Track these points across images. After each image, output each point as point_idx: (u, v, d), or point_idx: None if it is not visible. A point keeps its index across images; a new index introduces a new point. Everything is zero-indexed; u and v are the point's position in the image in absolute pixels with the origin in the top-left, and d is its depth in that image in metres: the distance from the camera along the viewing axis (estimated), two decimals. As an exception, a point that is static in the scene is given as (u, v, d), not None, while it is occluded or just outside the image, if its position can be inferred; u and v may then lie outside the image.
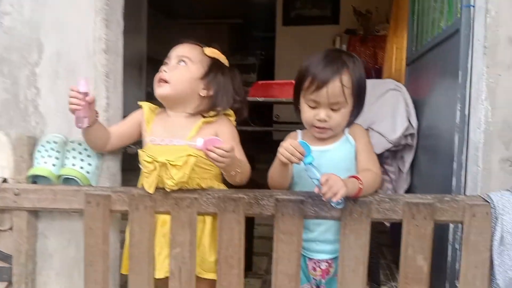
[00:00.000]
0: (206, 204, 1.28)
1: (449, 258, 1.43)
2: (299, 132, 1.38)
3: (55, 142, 1.37)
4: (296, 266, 1.24)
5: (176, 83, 1.34)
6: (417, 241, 1.20)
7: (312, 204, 1.24)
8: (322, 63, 1.25)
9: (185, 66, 1.35)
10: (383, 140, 2.07)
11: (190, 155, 1.26)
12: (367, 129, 2.05)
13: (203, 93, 1.37)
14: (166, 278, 1.30)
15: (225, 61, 1.44)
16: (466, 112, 1.37)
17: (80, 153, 1.37)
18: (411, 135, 2.09)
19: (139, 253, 1.30)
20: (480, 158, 1.26)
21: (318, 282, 1.33)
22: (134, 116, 1.42)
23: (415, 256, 1.20)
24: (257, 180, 1.46)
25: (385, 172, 2.19)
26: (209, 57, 1.40)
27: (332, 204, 1.14)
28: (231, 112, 1.42)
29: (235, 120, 1.43)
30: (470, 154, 1.32)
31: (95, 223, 1.31)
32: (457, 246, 1.42)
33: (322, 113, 1.24)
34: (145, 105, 1.42)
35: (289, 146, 1.15)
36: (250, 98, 2.86)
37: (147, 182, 1.26)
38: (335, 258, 1.29)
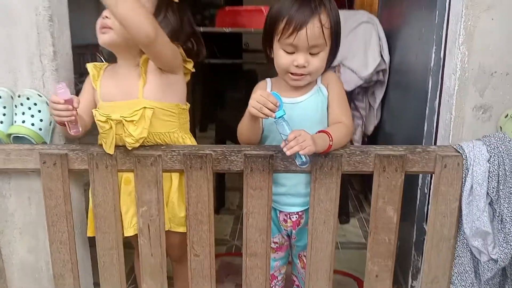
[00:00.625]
0: (172, 161, 1.22)
1: (417, 202, 1.45)
2: (268, 81, 1.29)
3: (-1, 97, 1.25)
4: (267, 220, 1.22)
5: (120, 28, 1.16)
6: (388, 193, 1.19)
7: (282, 159, 1.19)
8: (297, 3, 1.13)
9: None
10: (354, 77, 2.01)
11: (145, 107, 1.17)
12: (338, 65, 1.99)
13: None
14: (136, 235, 1.28)
15: None
16: (441, 55, 1.32)
17: (29, 108, 1.26)
18: (383, 71, 2.04)
19: (105, 212, 1.25)
20: (453, 105, 1.22)
21: (289, 232, 1.33)
22: (86, 83, 1.31)
23: (385, 207, 1.20)
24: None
25: (355, 108, 2.16)
26: None
27: (297, 163, 1.10)
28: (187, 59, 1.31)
29: (193, 64, 1.34)
30: (443, 100, 1.29)
31: (54, 184, 1.24)
32: (426, 190, 1.43)
33: (301, 58, 1.15)
34: (89, 66, 1.30)
35: (260, 97, 1.08)
36: (216, 29, 2.70)
37: (105, 142, 1.18)
38: (305, 210, 1.28)
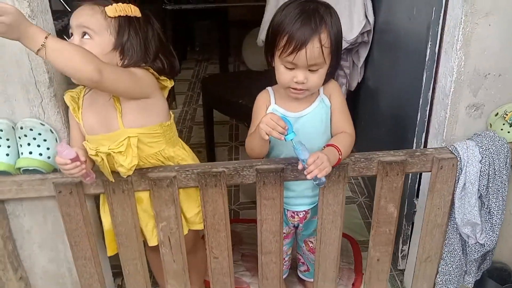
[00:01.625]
0: (186, 180, 1.27)
1: (409, 180, 1.57)
2: (270, 91, 1.31)
3: (0, 130, 1.22)
4: (279, 224, 1.32)
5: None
6: (389, 193, 1.30)
7: (292, 170, 1.26)
8: (298, 20, 1.12)
9: (90, 40, 1.12)
10: (340, 40, 2.00)
11: (129, 137, 1.18)
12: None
13: (120, 63, 1.17)
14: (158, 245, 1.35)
15: (135, 12, 1.18)
16: (436, 50, 1.35)
17: (34, 138, 1.24)
18: (368, 31, 2.03)
19: (126, 230, 1.31)
20: (449, 105, 1.29)
21: (296, 225, 1.44)
22: (71, 118, 1.26)
23: (386, 205, 1.31)
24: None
25: (340, 67, 2.18)
26: (115, 17, 1.14)
27: (315, 182, 1.17)
28: (162, 77, 1.25)
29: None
30: (437, 98, 1.35)
31: (72, 210, 1.27)
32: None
33: (300, 75, 1.16)
34: (66, 99, 1.23)
35: (270, 121, 1.11)
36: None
37: (104, 172, 1.20)
38: (311, 208, 1.38)
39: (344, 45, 2.01)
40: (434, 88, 1.40)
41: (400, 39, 1.71)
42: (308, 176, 1.13)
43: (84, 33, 1.12)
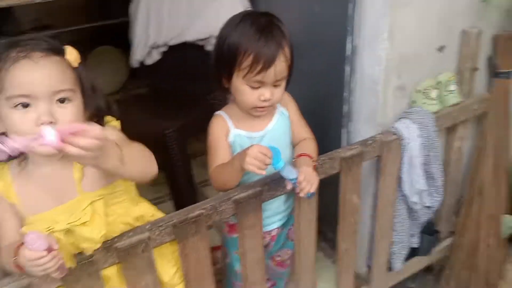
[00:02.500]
0: (160, 236, 1.07)
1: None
2: (224, 115, 1.20)
3: None
4: (261, 250, 1.24)
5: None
6: (352, 185, 1.33)
7: (268, 189, 1.18)
8: (262, 37, 1.05)
9: (70, 104, 0.90)
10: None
11: (93, 201, 0.97)
12: (209, 38, 1.89)
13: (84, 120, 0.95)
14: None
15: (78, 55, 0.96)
16: (356, 42, 1.42)
17: None
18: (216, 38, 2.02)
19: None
20: (380, 92, 1.37)
21: (265, 244, 1.37)
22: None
23: (351, 197, 1.35)
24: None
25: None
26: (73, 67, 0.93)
27: (307, 196, 1.13)
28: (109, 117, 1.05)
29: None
30: (364, 87, 1.42)
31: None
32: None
33: (267, 92, 1.10)
34: None
35: (259, 154, 1.02)
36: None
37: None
38: (282, 224, 1.34)
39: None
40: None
41: (308, 38, 1.71)
42: (301, 194, 1.09)
43: (62, 99, 0.86)
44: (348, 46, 1.42)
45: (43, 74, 0.85)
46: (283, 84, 1.14)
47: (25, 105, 0.85)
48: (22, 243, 0.83)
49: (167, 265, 1.16)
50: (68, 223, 0.92)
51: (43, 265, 0.81)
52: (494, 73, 1.57)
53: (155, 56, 2.22)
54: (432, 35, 1.40)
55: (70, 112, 0.88)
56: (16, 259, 0.83)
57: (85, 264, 0.98)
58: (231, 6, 1.91)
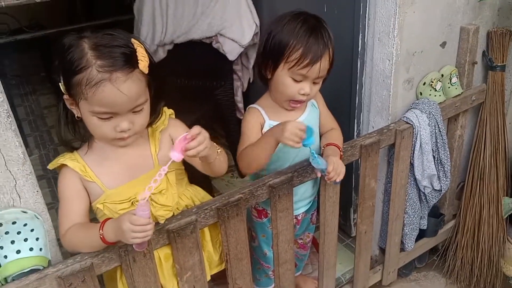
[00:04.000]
0: (205, 219, 1.17)
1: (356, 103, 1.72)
2: (260, 109, 1.30)
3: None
4: (292, 231, 1.35)
5: (138, 130, 1.04)
6: (371, 171, 1.45)
7: (298, 176, 1.29)
8: (312, 35, 1.16)
9: (142, 111, 1.02)
10: (236, 45, 2.07)
11: (167, 172, 1.08)
12: (216, 36, 2.00)
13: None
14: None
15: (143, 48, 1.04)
16: (366, 40, 1.55)
17: (18, 233, 0.97)
18: (256, 34, 2.13)
19: (149, 296, 1.14)
20: (391, 85, 1.50)
21: (294, 226, 1.48)
22: (69, 187, 1.06)
23: (370, 182, 1.47)
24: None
25: (234, 72, 2.23)
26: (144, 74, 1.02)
27: (334, 183, 1.24)
28: (165, 109, 1.18)
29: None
30: (375, 80, 1.55)
31: (87, 297, 1.04)
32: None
33: (307, 87, 1.20)
34: (68, 162, 1.05)
35: (296, 130, 1.11)
36: None
37: None
38: (307, 209, 1.45)
39: (241, 50, 2.08)
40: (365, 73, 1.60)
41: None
42: (329, 182, 1.20)
43: (137, 109, 0.98)
44: (359, 42, 1.55)
45: (126, 98, 0.95)
46: (321, 82, 1.24)
47: (107, 118, 0.97)
48: (109, 218, 0.95)
49: (215, 246, 1.27)
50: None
51: (147, 231, 0.92)
52: (490, 66, 1.72)
53: (161, 54, 2.30)
54: (436, 32, 1.53)
55: (144, 117, 1.02)
56: (102, 232, 0.94)
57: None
58: (236, 5, 2.02)
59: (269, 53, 1.19)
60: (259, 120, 1.28)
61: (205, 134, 0.96)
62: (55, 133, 1.12)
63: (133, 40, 0.99)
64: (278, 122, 1.27)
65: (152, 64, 1.00)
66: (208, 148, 0.98)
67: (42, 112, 3.32)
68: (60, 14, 3.72)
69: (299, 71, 1.17)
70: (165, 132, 1.16)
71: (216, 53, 2.15)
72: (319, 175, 1.21)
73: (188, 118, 2.06)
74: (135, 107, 0.98)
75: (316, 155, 1.18)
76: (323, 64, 1.18)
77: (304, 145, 1.15)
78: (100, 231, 0.94)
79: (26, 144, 2.75)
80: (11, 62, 3.94)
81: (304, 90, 1.20)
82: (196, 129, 0.95)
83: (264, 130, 1.28)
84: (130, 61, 0.95)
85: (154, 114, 1.09)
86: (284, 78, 1.19)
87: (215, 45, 2.12)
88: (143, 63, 0.98)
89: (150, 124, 1.11)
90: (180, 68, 2.34)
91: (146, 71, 0.99)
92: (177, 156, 0.93)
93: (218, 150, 1.10)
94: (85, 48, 0.93)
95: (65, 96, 0.99)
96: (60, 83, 0.97)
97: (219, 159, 1.10)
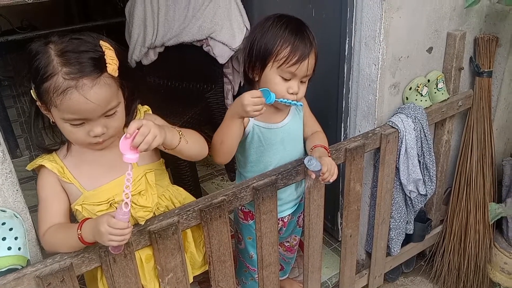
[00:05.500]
0: (187, 220, 1.17)
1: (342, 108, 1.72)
2: None
3: None
4: (276, 234, 1.35)
5: (113, 133, 1.04)
6: (356, 174, 1.46)
7: (282, 178, 1.30)
8: (297, 35, 1.18)
9: (117, 113, 1.02)
10: (226, 49, 2.07)
11: (146, 172, 1.09)
12: (206, 39, 2.01)
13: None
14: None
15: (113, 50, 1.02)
16: (352, 44, 1.55)
17: (-4, 231, 0.96)
18: (246, 37, 2.13)
19: (129, 298, 1.14)
20: (377, 89, 1.51)
21: (280, 229, 1.48)
22: (46, 189, 1.07)
23: (354, 185, 1.47)
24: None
25: (224, 75, 2.24)
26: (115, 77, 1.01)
27: (329, 183, 1.25)
28: (139, 106, 1.17)
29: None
30: (361, 85, 1.56)
31: (66, 298, 1.04)
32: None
33: (295, 85, 1.22)
34: (46, 163, 1.06)
35: (254, 100, 1.12)
36: None
37: None
38: (293, 211, 1.45)
39: (231, 53, 2.09)
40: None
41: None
42: (323, 182, 1.22)
43: (111, 113, 0.98)
44: (346, 47, 1.55)
45: (95, 105, 0.94)
46: (307, 82, 1.25)
47: (79, 124, 0.97)
48: (88, 218, 0.94)
49: (198, 247, 1.28)
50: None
51: (125, 236, 0.92)
52: (477, 72, 1.73)
53: (152, 56, 2.31)
54: (422, 37, 1.55)
55: (118, 120, 1.02)
56: (80, 232, 0.93)
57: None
58: (226, 9, 2.03)
59: (256, 55, 1.20)
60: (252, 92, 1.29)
61: (148, 124, 0.93)
62: (45, 135, 1.11)
63: (101, 42, 0.98)
64: (262, 123, 1.29)
65: (123, 66, 0.99)
66: (160, 135, 0.95)
67: (34, 114, 3.32)
68: (55, 16, 3.73)
69: (288, 68, 1.18)
70: None
71: (207, 56, 2.16)
72: (313, 177, 1.22)
73: (177, 120, 2.09)
74: (107, 111, 0.98)
75: (312, 158, 1.18)
76: (311, 62, 1.20)
77: (268, 102, 1.16)
78: (78, 231, 0.94)
79: (17, 145, 2.75)
80: (3, 63, 3.94)
81: (292, 88, 1.21)
82: (134, 124, 0.92)
83: (248, 129, 1.28)
84: (98, 65, 0.94)
85: (129, 115, 1.09)
86: (273, 77, 1.20)
87: (205, 48, 2.12)
88: (112, 66, 0.96)
89: (126, 124, 1.09)
90: (170, 70, 2.35)
91: (116, 74, 0.97)
92: (129, 157, 0.92)
93: (180, 133, 1.08)
94: (51, 54, 0.92)
95: (38, 103, 0.98)
96: (31, 90, 0.97)
97: (185, 141, 1.08)
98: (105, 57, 0.96)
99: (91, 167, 1.08)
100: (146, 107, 1.19)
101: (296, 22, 1.22)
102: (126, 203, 0.91)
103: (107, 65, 0.96)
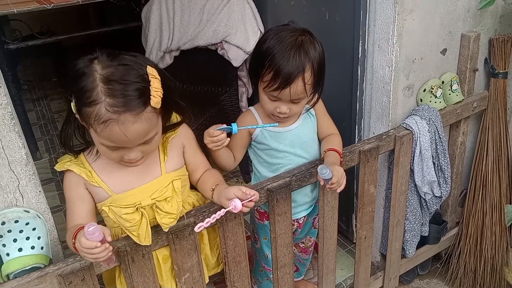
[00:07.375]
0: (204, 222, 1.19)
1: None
2: (253, 110, 1.33)
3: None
4: (290, 235, 1.36)
5: (148, 155, 1.09)
6: (370, 176, 1.46)
7: (296, 180, 1.31)
8: (284, 57, 1.13)
9: (154, 139, 1.03)
10: (241, 52, 2.09)
11: (173, 180, 1.12)
12: (221, 42, 2.03)
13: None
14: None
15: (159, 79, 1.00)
16: (366, 47, 1.56)
17: (20, 231, 1.00)
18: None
19: (147, 297, 1.16)
20: (391, 91, 1.51)
21: (293, 231, 1.50)
22: (72, 191, 1.08)
23: (369, 187, 1.48)
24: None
25: (239, 78, 2.27)
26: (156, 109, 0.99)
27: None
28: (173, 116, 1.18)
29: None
30: (375, 87, 1.56)
31: (87, 297, 1.07)
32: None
33: (283, 107, 1.21)
34: (73, 167, 1.07)
35: (212, 138, 1.17)
36: None
37: (137, 235, 1.05)
38: (309, 213, 1.46)
39: (245, 56, 2.11)
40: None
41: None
42: (330, 190, 1.26)
43: (148, 141, 1.01)
44: (360, 49, 1.56)
45: (135, 136, 0.95)
46: (303, 102, 1.23)
47: (115, 149, 0.98)
48: (82, 227, 0.94)
49: (212, 249, 1.30)
50: (153, 199, 1.06)
51: (95, 254, 0.93)
52: (492, 73, 1.72)
53: (168, 60, 2.35)
54: (436, 39, 1.55)
55: (154, 145, 1.04)
56: (74, 242, 0.96)
57: (139, 246, 1.10)
58: (241, 12, 2.05)
59: (251, 69, 1.22)
60: (252, 121, 1.31)
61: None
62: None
63: (148, 70, 0.96)
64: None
65: (165, 95, 0.98)
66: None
67: (53, 117, 3.38)
68: (72, 20, 3.81)
69: (270, 92, 1.18)
70: (176, 140, 1.17)
71: (222, 60, 2.19)
72: (322, 183, 1.24)
73: (193, 123, 2.12)
74: (145, 141, 0.99)
75: (326, 167, 1.18)
76: (294, 90, 1.15)
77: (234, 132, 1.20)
78: (73, 240, 0.96)
79: (37, 148, 2.81)
80: (23, 67, 4.03)
81: (279, 109, 1.21)
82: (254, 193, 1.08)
83: (256, 132, 1.31)
84: (142, 98, 0.93)
85: (165, 133, 1.11)
86: (262, 95, 1.22)
87: (220, 52, 2.15)
88: (155, 99, 0.95)
89: (163, 131, 1.11)
90: (186, 74, 2.39)
91: (158, 106, 0.97)
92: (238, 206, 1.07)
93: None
94: (97, 79, 0.91)
95: (77, 116, 0.97)
96: (72, 103, 0.96)
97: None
98: (150, 88, 0.94)
99: (121, 173, 1.09)
100: (178, 116, 1.17)
101: (295, 38, 1.15)
102: (91, 224, 0.91)
103: (151, 97, 0.94)
